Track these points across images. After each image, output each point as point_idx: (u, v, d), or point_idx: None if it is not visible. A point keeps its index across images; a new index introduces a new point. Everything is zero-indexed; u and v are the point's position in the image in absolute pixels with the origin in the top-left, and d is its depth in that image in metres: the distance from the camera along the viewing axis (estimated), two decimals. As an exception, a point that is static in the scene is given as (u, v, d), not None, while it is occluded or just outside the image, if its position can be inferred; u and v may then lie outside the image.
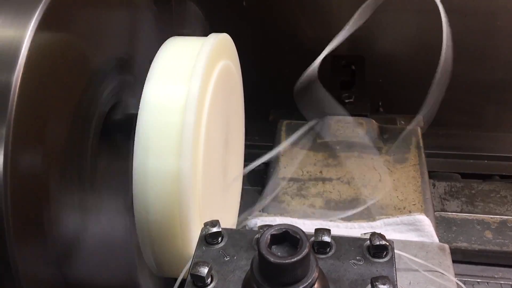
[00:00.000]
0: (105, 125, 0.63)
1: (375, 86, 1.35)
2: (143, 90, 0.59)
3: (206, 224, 0.48)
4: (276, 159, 0.92)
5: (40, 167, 0.51)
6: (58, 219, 0.55)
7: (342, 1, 1.30)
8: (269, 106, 1.24)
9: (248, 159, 0.96)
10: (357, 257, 0.45)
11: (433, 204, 0.89)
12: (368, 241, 0.46)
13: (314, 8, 1.35)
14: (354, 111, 1.01)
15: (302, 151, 0.94)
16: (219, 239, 0.48)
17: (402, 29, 1.36)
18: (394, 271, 0.44)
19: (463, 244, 0.88)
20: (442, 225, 0.91)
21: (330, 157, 0.93)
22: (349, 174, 0.90)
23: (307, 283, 0.36)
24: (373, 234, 0.46)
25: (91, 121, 0.61)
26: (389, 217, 0.81)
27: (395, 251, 0.75)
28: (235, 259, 0.46)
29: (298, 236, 0.37)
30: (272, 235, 0.37)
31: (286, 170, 0.91)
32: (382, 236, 0.45)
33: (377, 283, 0.41)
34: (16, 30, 0.47)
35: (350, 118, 0.99)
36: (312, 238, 0.46)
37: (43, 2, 0.48)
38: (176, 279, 0.56)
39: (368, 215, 0.82)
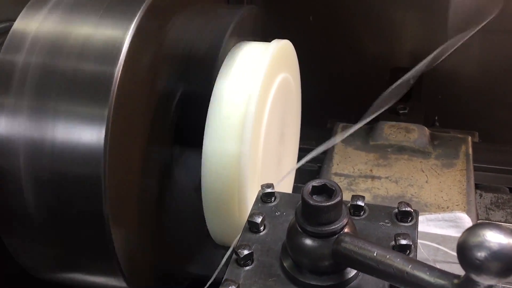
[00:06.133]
0: (180, 113, 0.74)
1: (434, 102, 1.41)
2: (214, 86, 0.70)
3: (262, 186, 0.58)
4: (329, 157, 1.02)
5: (131, 145, 0.62)
6: (143, 190, 0.66)
7: (404, 19, 1.38)
8: (328, 115, 1.33)
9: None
10: (386, 220, 0.54)
11: (477, 207, 0.94)
12: (396, 209, 0.55)
13: (377, 25, 1.43)
14: (408, 122, 1.09)
15: (355, 151, 1.03)
16: (272, 198, 0.58)
17: (465, 48, 1.41)
18: (416, 232, 0.52)
19: (504, 253, 0.92)
20: (485, 234, 0.95)
21: (381, 158, 1.01)
22: (397, 174, 0.97)
23: (339, 225, 0.46)
24: (401, 202, 0.54)
25: (171, 107, 0.71)
26: (431, 214, 0.88)
27: (433, 244, 0.82)
28: (284, 214, 0.56)
29: (333, 188, 0.47)
30: (313, 186, 0.47)
31: (339, 166, 1.00)
32: (408, 204, 0.54)
33: (399, 238, 0.50)
34: (119, 31, 0.58)
35: (403, 124, 1.06)
36: (349, 204, 0.56)
37: (141, 10, 0.59)
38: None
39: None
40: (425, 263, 0.40)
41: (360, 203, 0.54)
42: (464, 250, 0.33)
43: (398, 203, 0.54)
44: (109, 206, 0.57)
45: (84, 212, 0.58)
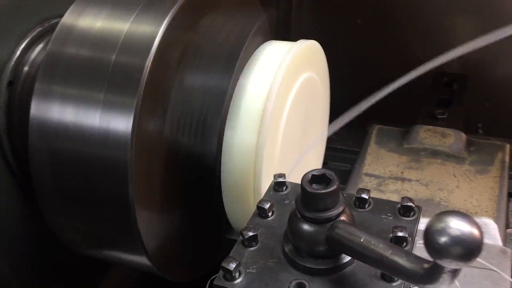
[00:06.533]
0: (205, 104, 0.76)
1: (480, 109, 1.38)
2: (238, 82, 0.74)
3: (275, 176, 0.62)
4: (362, 157, 1.03)
5: (157, 132, 0.66)
6: (168, 175, 0.70)
7: (455, 24, 1.36)
8: (368, 118, 1.33)
9: (337, 160, 1.08)
10: (388, 214, 0.56)
11: (508, 215, 0.93)
12: (400, 203, 0.57)
13: (426, 29, 1.42)
14: (446, 127, 1.08)
15: (388, 153, 1.04)
16: (284, 188, 0.62)
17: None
18: (416, 227, 0.54)
19: (534, 261, 0.90)
20: (515, 241, 0.94)
21: (414, 161, 1.01)
22: (428, 178, 0.97)
23: (334, 212, 0.49)
24: (404, 197, 0.56)
25: (197, 98, 0.73)
26: (457, 218, 0.88)
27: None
28: (292, 203, 0.59)
29: (331, 177, 0.50)
30: (313, 175, 0.50)
31: (370, 167, 1.01)
32: (411, 200, 0.56)
33: (396, 230, 0.52)
34: (153, 28, 0.63)
35: (439, 128, 1.06)
36: (354, 196, 0.58)
37: (174, 7, 0.64)
38: None
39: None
40: (405, 250, 0.42)
41: (364, 196, 0.57)
42: (428, 234, 0.36)
43: (402, 198, 0.56)
44: (134, 189, 0.62)
45: (111, 194, 0.63)
